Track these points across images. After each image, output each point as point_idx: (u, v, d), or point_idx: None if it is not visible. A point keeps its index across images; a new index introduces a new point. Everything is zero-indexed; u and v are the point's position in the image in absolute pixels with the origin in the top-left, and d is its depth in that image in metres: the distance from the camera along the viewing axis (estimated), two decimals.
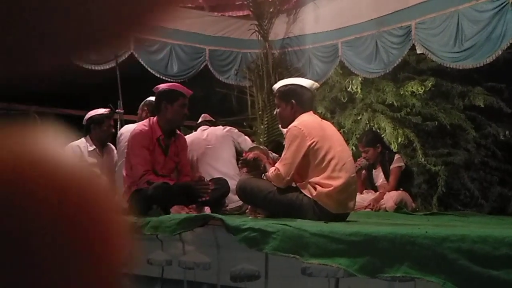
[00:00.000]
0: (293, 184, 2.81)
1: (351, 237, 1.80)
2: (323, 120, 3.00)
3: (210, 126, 4.00)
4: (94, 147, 4.16)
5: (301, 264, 1.90)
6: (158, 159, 3.29)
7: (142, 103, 4.25)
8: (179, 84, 3.52)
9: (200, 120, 4.20)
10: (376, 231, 1.77)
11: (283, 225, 2.04)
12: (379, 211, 4.10)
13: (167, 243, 2.59)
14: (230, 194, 3.44)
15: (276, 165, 2.81)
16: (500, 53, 3.87)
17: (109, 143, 4.32)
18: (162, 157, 3.32)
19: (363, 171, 4.61)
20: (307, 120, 2.83)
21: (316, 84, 3.08)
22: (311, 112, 2.94)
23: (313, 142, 2.71)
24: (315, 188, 2.69)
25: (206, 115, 4.25)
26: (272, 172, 2.78)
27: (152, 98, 3.98)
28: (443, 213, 4.14)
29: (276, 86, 3.03)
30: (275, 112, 3.07)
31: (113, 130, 4.31)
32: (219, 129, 3.88)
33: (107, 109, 4.27)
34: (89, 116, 4.24)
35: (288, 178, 2.74)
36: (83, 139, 4.20)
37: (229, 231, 2.18)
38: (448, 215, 3.83)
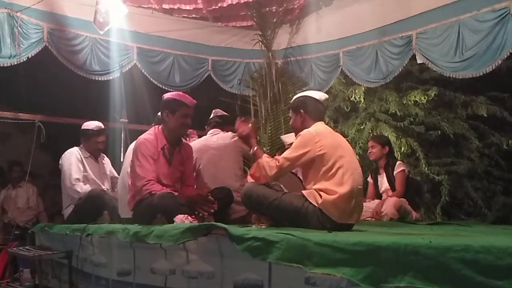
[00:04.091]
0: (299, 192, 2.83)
1: (355, 246, 1.80)
2: (333, 131, 3.06)
3: (222, 129, 3.95)
4: (89, 154, 4.27)
5: (305, 273, 1.90)
6: (163, 169, 3.29)
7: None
8: (183, 94, 3.47)
9: (211, 115, 4.13)
10: (380, 241, 1.77)
11: (287, 234, 2.04)
12: (383, 221, 4.09)
13: (170, 252, 2.59)
14: (233, 205, 3.44)
15: (277, 156, 2.87)
16: (500, 62, 3.89)
17: (102, 154, 4.42)
18: (166, 167, 3.33)
19: (371, 181, 4.62)
20: (320, 128, 2.89)
21: (326, 96, 3.15)
22: (322, 122, 3.01)
23: (322, 149, 2.75)
24: (320, 196, 2.71)
25: (218, 110, 4.19)
26: (269, 161, 2.82)
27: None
28: (447, 223, 4.13)
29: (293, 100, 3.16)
30: (290, 123, 3.17)
31: (102, 146, 4.36)
32: (228, 137, 3.82)
33: (98, 126, 4.30)
34: (82, 128, 4.34)
35: (281, 172, 2.79)
36: (80, 146, 4.27)
37: (233, 240, 2.19)
38: (451, 225, 3.81)
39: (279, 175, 2.81)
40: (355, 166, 2.83)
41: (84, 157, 4.23)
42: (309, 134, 2.81)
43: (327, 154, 2.74)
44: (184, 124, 3.34)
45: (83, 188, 4.06)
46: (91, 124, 4.31)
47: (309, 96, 3.03)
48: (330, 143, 2.79)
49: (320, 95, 3.06)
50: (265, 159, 2.86)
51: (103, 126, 4.36)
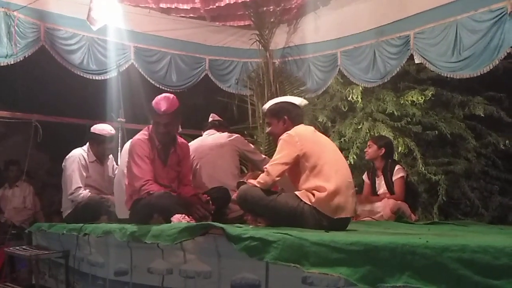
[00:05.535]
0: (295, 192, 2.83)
1: (352, 246, 1.80)
2: (316, 131, 3.08)
3: (218, 130, 3.98)
4: (95, 158, 4.21)
5: (302, 273, 1.91)
6: (158, 169, 3.26)
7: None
8: (162, 99, 3.22)
9: (209, 119, 4.14)
10: (377, 241, 1.77)
11: (284, 234, 2.05)
12: (380, 221, 4.09)
13: (168, 252, 2.59)
14: (231, 204, 3.44)
15: (265, 166, 2.88)
16: (498, 62, 3.90)
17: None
18: (161, 167, 3.30)
19: (367, 181, 4.61)
20: (299, 129, 2.93)
21: (305, 102, 3.19)
22: (302, 124, 3.03)
23: (303, 149, 2.77)
24: (313, 195, 2.72)
25: (214, 114, 4.20)
26: (261, 177, 2.83)
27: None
28: (444, 223, 4.13)
29: (266, 105, 3.15)
30: (267, 131, 3.16)
31: (111, 152, 4.31)
32: (224, 137, 3.83)
33: (110, 133, 4.23)
34: (92, 130, 4.25)
35: (275, 177, 2.78)
36: (85, 147, 4.23)
37: (230, 240, 2.19)
38: (448, 225, 3.82)
39: (274, 180, 2.80)
40: (340, 161, 2.90)
41: (89, 162, 4.17)
42: (288, 136, 2.85)
43: (309, 152, 2.78)
44: (159, 133, 3.22)
45: (83, 194, 4.02)
46: (103, 130, 4.21)
47: (291, 102, 3.06)
48: (310, 141, 2.84)
49: (300, 101, 3.11)
50: (255, 180, 2.87)
51: (113, 130, 4.29)
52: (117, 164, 4.36)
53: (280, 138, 2.89)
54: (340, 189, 2.72)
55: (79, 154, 4.17)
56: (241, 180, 3.19)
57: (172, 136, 3.34)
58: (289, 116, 2.99)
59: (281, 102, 3.09)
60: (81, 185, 4.05)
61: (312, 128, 3.05)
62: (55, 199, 5.85)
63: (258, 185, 2.80)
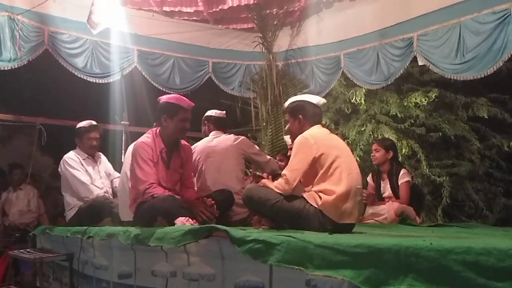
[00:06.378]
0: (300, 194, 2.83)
1: (356, 248, 1.79)
2: (331, 133, 3.06)
3: (224, 132, 3.95)
4: (86, 155, 4.22)
5: (306, 276, 1.90)
6: (161, 172, 3.25)
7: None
8: (179, 96, 3.33)
9: (215, 114, 4.06)
10: (381, 243, 1.77)
11: (288, 237, 2.04)
12: (384, 223, 4.08)
13: (171, 255, 2.59)
14: (234, 207, 3.43)
15: (283, 172, 2.85)
16: (501, 64, 3.90)
17: (99, 152, 4.37)
18: (164, 170, 3.29)
19: (371, 183, 4.59)
20: (314, 131, 2.89)
21: (323, 100, 3.16)
22: (319, 125, 3.00)
23: (319, 151, 2.75)
24: (320, 197, 2.71)
25: (223, 112, 4.14)
26: (278, 182, 2.81)
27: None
28: (448, 225, 4.11)
29: (286, 103, 3.13)
30: (286, 128, 3.16)
31: (96, 142, 4.26)
32: (230, 140, 3.81)
33: (89, 122, 4.26)
34: (75, 128, 4.29)
35: (294, 184, 2.76)
36: (76, 149, 4.25)
37: (234, 242, 2.18)
38: (452, 227, 3.81)
39: (292, 187, 2.79)
40: (352, 166, 2.85)
41: (82, 159, 4.19)
42: (303, 138, 2.83)
43: (324, 155, 2.75)
44: (184, 129, 3.29)
45: (97, 191, 4.04)
46: (83, 122, 4.28)
47: (307, 101, 3.02)
48: (325, 144, 2.81)
49: (318, 100, 3.07)
50: (273, 182, 2.85)
51: (95, 123, 4.31)
52: (121, 162, 4.37)
53: (295, 141, 2.87)
54: (349, 194, 2.71)
55: (72, 155, 4.20)
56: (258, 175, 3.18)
57: None
58: (304, 115, 2.96)
59: (298, 100, 3.06)
60: (89, 178, 4.09)
61: (327, 130, 3.03)
62: (59, 202, 5.85)
63: (277, 191, 2.78)
